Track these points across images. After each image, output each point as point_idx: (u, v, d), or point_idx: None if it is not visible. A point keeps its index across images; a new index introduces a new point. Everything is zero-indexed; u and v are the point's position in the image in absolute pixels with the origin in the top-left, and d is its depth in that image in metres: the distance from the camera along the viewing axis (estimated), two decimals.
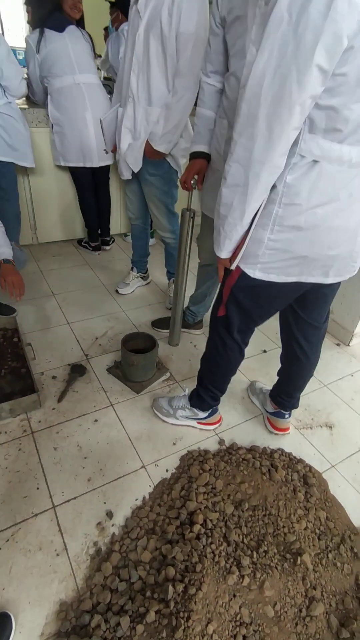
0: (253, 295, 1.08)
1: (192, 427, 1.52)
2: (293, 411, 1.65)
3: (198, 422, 1.52)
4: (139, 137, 1.77)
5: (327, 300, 1.20)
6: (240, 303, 1.11)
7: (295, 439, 1.55)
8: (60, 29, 1.99)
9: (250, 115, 0.75)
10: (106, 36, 5.04)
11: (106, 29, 5.12)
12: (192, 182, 1.48)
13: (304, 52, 0.66)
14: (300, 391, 1.47)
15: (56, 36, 1.99)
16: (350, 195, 0.87)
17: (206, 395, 1.45)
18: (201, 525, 1.16)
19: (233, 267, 1.00)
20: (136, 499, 1.28)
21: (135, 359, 1.65)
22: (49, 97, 2.15)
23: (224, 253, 0.99)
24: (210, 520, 1.17)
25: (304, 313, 1.21)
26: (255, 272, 0.99)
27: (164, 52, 1.56)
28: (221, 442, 1.50)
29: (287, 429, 1.55)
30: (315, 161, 0.82)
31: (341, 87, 0.72)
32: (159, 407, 1.56)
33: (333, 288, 1.15)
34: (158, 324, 2.11)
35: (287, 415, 1.51)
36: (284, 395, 1.48)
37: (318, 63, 0.67)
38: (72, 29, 2.04)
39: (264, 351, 2.01)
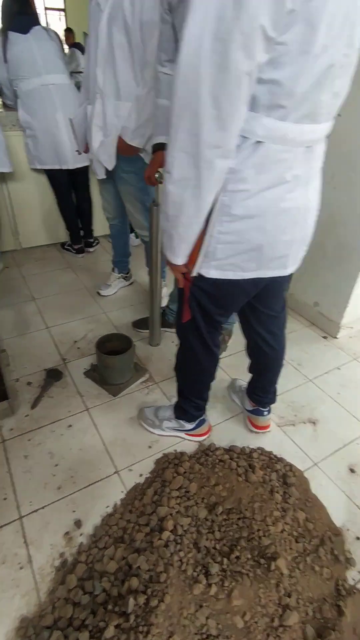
0: (213, 296, 1.01)
1: (181, 438, 1.46)
2: (276, 408, 1.59)
3: (186, 434, 1.45)
4: (110, 134, 1.72)
5: (283, 288, 1.15)
6: (201, 304, 1.04)
7: (277, 437, 1.49)
8: (24, 30, 1.96)
9: (190, 93, 0.65)
10: (68, 38, 5.07)
11: (67, 30, 5.13)
12: (156, 175, 1.44)
13: (247, 13, 0.58)
14: (274, 385, 1.41)
15: (20, 38, 1.96)
16: (297, 176, 0.82)
17: (189, 406, 1.38)
18: (171, 531, 1.10)
19: (195, 273, 0.92)
20: (107, 506, 1.23)
21: (110, 361, 1.61)
22: (19, 100, 2.13)
23: (180, 259, 0.90)
24: (181, 525, 1.12)
25: (260, 305, 1.15)
26: (210, 271, 0.91)
27: (129, 44, 1.51)
28: (199, 442, 1.45)
29: (267, 426, 1.49)
30: (258, 142, 0.76)
31: (283, 57, 0.65)
32: (145, 418, 1.50)
33: (288, 276, 1.09)
34: (139, 324, 2.06)
35: (265, 413, 1.45)
36: (259, 392, 1.42)
37: (262, 24, 0.59)
38: (37, 29, 2.01)
39: None
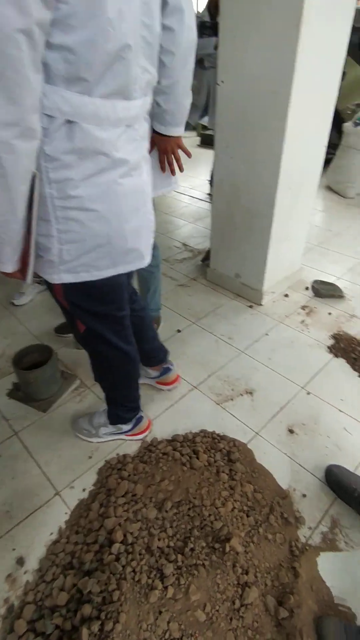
0: (91, 295, 0.93)
1: (122, 439, 1.39)
2: (213, 387, 1.60)
3: (126, 435, 1.38)
4: None
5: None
6: (85, 309, 0.96)
7: (218, 415, 1.49)
8: None
9: None
10: None
11: None
12: None
13: None
14: (157, 337, 1.48)
15: None
16: (125, 159, 0.75)
17: (121, 411, 1.31)
18: (121, 542, 1.05)
19: (29, 280, 0.81)
20: (51, 533, 1.14)
21: (30, 376, 1.48)
22: None
23: (9, 266, 0.77)
24: (131, 533, 1.07)
25: None
26: (62, 276, 0.83)
27: None
28: (141, 440, 1.40)
29: (177, 377, 1.58)
30: (69, 121, 0.67)
31: (71, 19, 0.58)
32: (80, 429, 1.40)
33: None
34: (61, 329, 1.92)
35: (171, 366, 1.53)
36: (154, 353, 1.46)
37: None
38: None
39: (178, 331, 1.91)
